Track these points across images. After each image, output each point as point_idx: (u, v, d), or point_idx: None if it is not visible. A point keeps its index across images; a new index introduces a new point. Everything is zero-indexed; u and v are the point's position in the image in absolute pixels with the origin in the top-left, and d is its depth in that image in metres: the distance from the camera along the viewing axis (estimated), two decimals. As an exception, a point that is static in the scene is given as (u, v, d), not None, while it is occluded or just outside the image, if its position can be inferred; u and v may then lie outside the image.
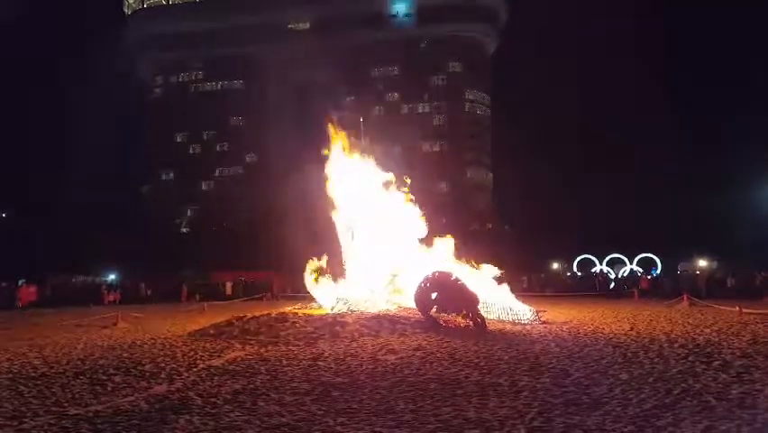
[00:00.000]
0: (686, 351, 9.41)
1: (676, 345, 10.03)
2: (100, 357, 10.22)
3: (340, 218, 17.11)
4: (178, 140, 71.14)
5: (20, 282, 29.01)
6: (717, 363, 8.28)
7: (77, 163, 54.55)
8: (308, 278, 16.82)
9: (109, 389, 7.56)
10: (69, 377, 8.40)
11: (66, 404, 6.72)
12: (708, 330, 12.17)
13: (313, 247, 17.73)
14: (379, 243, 16.67)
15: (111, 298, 30.87)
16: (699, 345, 10.07)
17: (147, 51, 68.62)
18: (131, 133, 61.06)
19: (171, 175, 70.66)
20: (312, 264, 16.87)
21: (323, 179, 17.48)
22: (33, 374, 8.67)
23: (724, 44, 58.23)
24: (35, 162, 52.84)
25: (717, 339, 10.73)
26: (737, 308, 15.82)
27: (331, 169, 17.43)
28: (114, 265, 48.73)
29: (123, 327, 16.05)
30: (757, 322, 13.50)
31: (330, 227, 17.29)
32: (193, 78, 72.29)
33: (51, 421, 5.94)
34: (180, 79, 72.23)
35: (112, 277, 46.27)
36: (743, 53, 56.98)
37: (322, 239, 17.79)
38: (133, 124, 61.71)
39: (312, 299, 16.82)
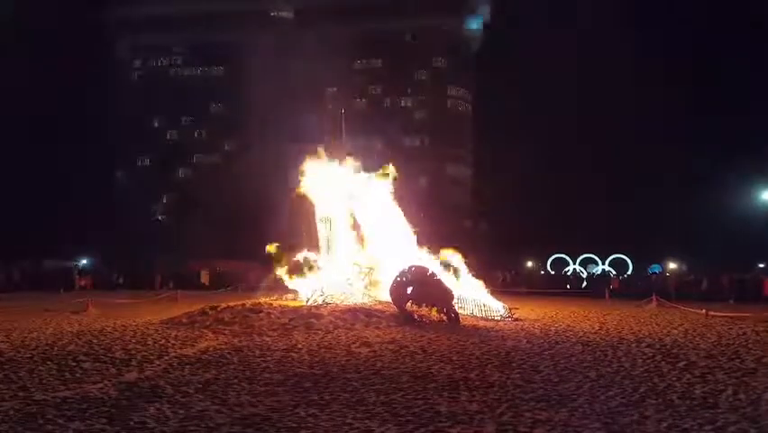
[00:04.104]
0: (653, 351, 9.62)
1: (644, 345, 10.25)
2: (69, 343, 10.06)
3: (318, 210, 17.05)
4: (156, 125, 70.01)
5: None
6: (682, 363, 8.49)
7: (51, 145, 53.32)
8: (284, 269, 16.74)
9: (78, 375, 7.46)
10: (37, 362, 8.26)
11: (32, 389, 6.62)
12: (675, 331, 12.45)
13: (290, 238, 17.65)
14: (357, 236, 16.71)
15: (82, 283, 30.37)
16: (665, 345, 10.31)
17: (126, 33, 67.23)
18: (107, 116, 59.75)
19: (147, 161, 69.55)
20: (287, 255, 16.79)
21: (301, 171, 17.38)
22: (0, 358, 8.51)
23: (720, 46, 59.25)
24: (5, 144, 51.37)
25: (683, 340, 10.99)
26: (704, 311, 16.20)
27: (310, 161, 17.35)
28: (87, 250, 47.86)
29: (94, 313, 15.80)
30: (722, 324, 13.84)
31: (308, 219, 17.22)
32: (172, 62, 71.11)
33: (17, 406, 5.84)
34: (159, 63, 71.00)
35: (84, 262, 45.45)
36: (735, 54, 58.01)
37: (299, 230, 17.71)
38: (109, 106, 60.37)
39: (287, 290, 16.75)
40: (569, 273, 45.20)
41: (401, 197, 17.47)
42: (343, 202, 16.99)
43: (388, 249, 16.36)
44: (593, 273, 44.94)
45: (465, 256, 17.16)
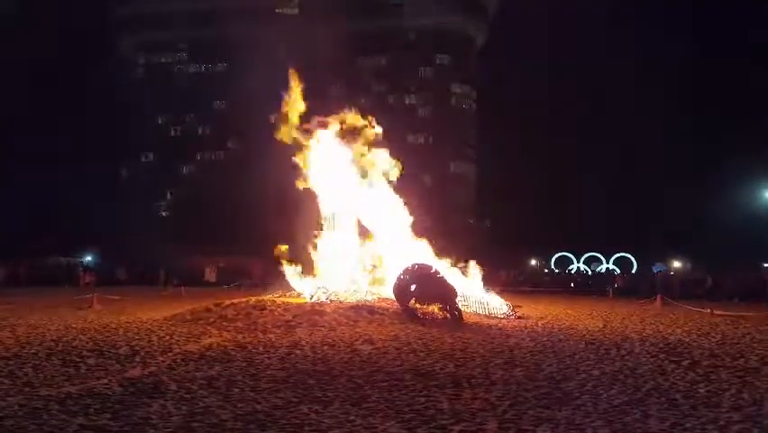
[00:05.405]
0: (657, 349, 9.60)
1: (647, 344, 10.23)
2: (74, 339, 10.10)
3: (321, 206, 17.05)
4: (159, 121, 70.13)
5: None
6: (686, 362, 8.47)
7: (55, 141, 53.53)
8: (287, 266, 16.75)
9: (82, 371, 7.49)
10: (42, 358, 8.30)
11: (37, 385, 6.65)
12: (679, 330, 12.41)
13: (293, 235, 17.66)
14: (359, 232, 16.72)
15: (87, 279, 30.49)
16: (669, 343, 10.28)
17: (130, 30, 67.34)
18: (110, 113, 59.93)
19: (151, 157, 69.69)
20: (288, 252, 16.79)
21: (303, 166, 17.37)
22: (5, 354, 8.55)
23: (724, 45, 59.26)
24: (9, 140, 51.58)
25: (687, 339, 10.95)
26: (708, 310, 16.15)
27: (310, 156, 17.34)
28: (91, 247, 48.07)
29: (99, 310, 15.87)
30: (727, 323, 13.79)
31: (311, 215, 17.22)
32: (176, 59, 71.18)
33: (22, 401, 5.87)
34: (163, 60, 71.07)
35: (88, 258, 45.64)
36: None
37: (303, 227, 17.70)
38: (113, 103, 60.55)
39: (291, 287, 16.76)
40: (573, 271, 45.11)
41: (405, 194, 17.46)
42: (347, 198, 16.98)
43: (393, 246, 16.38)
44: (597, 271, 44.84)
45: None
